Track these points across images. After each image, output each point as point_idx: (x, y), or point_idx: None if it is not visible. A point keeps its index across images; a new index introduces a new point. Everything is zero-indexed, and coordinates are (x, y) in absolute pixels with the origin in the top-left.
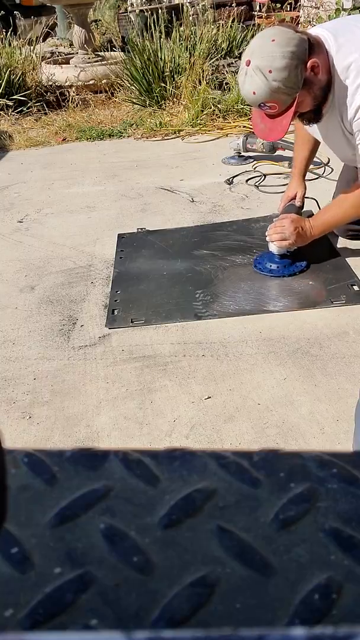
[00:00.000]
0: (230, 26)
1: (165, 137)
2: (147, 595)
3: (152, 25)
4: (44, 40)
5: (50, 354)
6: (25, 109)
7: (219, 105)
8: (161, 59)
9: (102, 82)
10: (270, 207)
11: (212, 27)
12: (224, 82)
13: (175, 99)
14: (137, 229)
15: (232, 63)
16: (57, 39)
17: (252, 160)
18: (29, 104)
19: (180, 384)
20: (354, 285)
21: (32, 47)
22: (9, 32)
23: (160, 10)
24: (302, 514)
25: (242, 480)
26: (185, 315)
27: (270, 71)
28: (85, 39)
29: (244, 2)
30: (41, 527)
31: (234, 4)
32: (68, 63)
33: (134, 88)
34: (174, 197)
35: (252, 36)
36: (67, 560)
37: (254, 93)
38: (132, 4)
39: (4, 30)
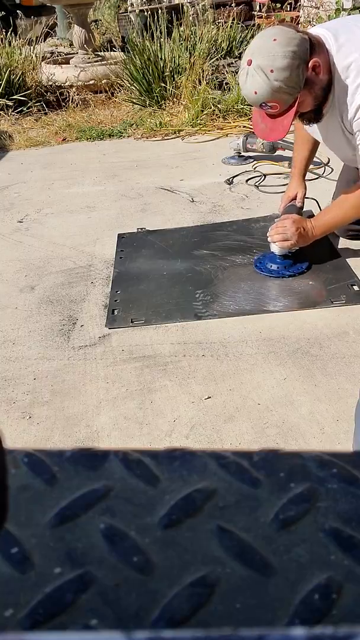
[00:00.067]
0: (230, 26)
1: (165, 137)
2: (147, 595)
3: (152, 25)
4: (44, 40)
5: (50, 354)
6: (25, 109)
7: (219, 105)
8: (161, 59)
9: (102, 82)
10: (270, 207)
11: (212, 27)
12: (224, 82)
13: (175, 99)
14: (137, 229)
15: (232, 63)
16: (57, 39)
17: (252, 160)
18: (29, 104)
19: (180, 384)
20: (354, 285)
21: (32, 47)
22: (9, 32)
23: (160, 10)
24: (302, 514)
25: (242, 480)
26: (185, 315)
27: (272, 71)
28: (85, 39)
29: (243, 2)
30: (41, 527)
31: (233, 4)
32: (68, 63)
33: (134, 88)
34: (174, 197)
35: (252, 36)
36: (67, 560)
37: (256, 93)
38: (132, 4)
39: (4, 30)
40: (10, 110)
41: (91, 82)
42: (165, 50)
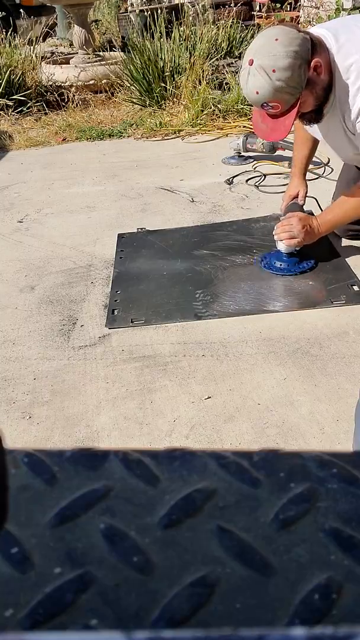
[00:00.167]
0: (230, 26)
1: (165, 137)
2: (147, 595)
3: (152, 25)
4: (43, 40)
5: (50, 354)
6: (25, 109)
7: (219, 105)
8: (161, 59)
9: (102, 82)
10: (270, 207)
11: (212, 27)
12: (224, 82)
13: (175, 99)
14: (137, 229)
15: (232, 63)
16: (57, 39)
17: (252, 160)
18: (29, 104)
19: (180, 384)
20: (354, 285)
21: (32, 47)
22: (9, 32)
23: (160, 10)
24: (302, 514)
25: (242, 480)
26: (185, 315)
27: (274, 70)
28: (85, 39)
29: (243, 2)
30: (41, 527)
31: (233, 4)
32: (68, 63)
33: (134, 88)
34: (174, 197)
35: (252, 36)
36: (67, 560)
37: (257, 93)
38: (132, 4)
39: (4, 30)
40: (10, 110)
41: (91, 82)
42: (165, 50)
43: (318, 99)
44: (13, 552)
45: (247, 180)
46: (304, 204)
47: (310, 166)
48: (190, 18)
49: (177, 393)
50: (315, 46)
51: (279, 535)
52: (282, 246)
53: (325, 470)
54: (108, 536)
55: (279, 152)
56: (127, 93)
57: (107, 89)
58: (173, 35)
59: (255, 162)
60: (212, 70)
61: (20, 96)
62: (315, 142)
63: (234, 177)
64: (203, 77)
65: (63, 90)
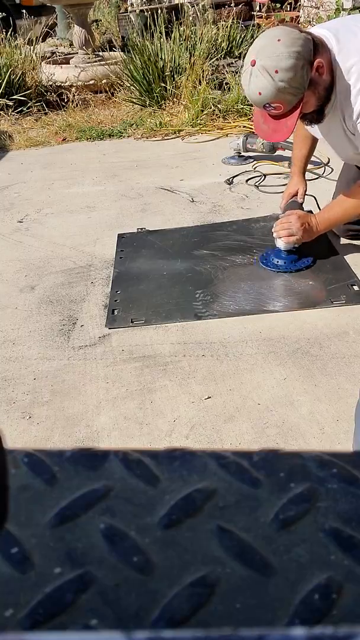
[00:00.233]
0: (230, 26)
1: (165, 137)
2: (147, 595)
3: (152, 25)
4: (43, 40)
5: (50, 354)
6: (25, 109)
7: (219, 105)
8: (161, 59)
9: (102, 82)
10: (270, 207)
11: (212, 27)
12: (224, 82)
13: (175, 99)
14: (137, 229)
15: (232, 63)
16: (57, 39)
17: (252, 160)
18: (29, 104)
19: (180, 384)
20: (354, 285)
21: (32, 47)
22: (9, 32)
23: (160, 10)
24: (302, 514)
25: (242, 480)
26: (185, 315)
27: (276, 71)
28: (85, 39)
29: (243, 2)
30: (41, 527)
31: (233, 4)
32: (68, 63)
33: (134, 88)
34: (174, 197)
35: (252, 36)
36: (67, 560)
37: (260, 93)
38: (132, 4)
39: (4, 30)
40: (10, 110)
41: (91, 82)
42: (165, 50)
43: (320, 100)
44: (13, 552)
45: (247, 180)
46: (303, 202)
47: (310, 166)
48: (190, 18)
49: (177, 393)
50: (317, 47)
51: (279, 535)
52: (280, 243)
53: (325, 470)
54: (108, 536)
55: (279, 152)
56: (127, 93)
57: (107, 89)
58: (173, 35)
59: (255, 162)
60: (212, 70)
61: (20, 96)
62: (314, 141)
63: (234, 177)
64: (203, 77)
65: (63, 90)
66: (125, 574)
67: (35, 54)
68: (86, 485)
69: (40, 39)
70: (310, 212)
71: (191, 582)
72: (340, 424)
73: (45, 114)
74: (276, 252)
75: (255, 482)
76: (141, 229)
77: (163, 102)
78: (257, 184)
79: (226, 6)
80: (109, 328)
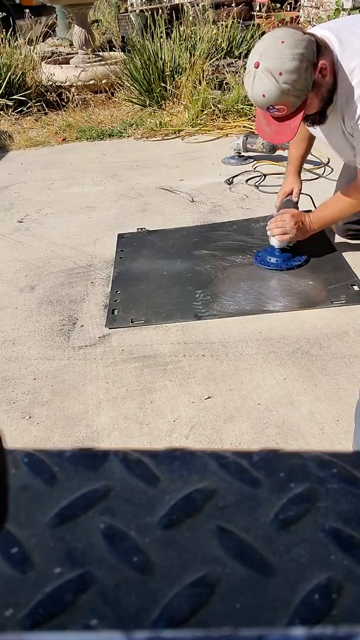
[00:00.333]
0: (230, 26)
1: (165, 137)
2: (147, 595)
3: (152, 25)
4: (43, 40)
5: (50, 354)
6: (25, 109)
7: (219, 105)
8: (161, 59)
9: (102, 82)
10: (270, 207)
11: (212, 27)
12: (224, 82)
13: (175, 99)
14: (137, 229)
15: (232, 63)
16: (57, 39)
17: (252, 160)
18: (29, 104)
19: (180, 384)
20: (354, 285)
21: (32, 47)
22: (9, 32)
23: (160, 10)
24: (302, 514)
25: (242, 480)
26: (185, 315)
27: (280, 73)
28: (85, 39)
29: (243, 2)
30: (41, 527)
31: (233, 4)
32: (68, 63)
33: (134, 88)
34: (174, 197)
35: (252, 36)
36: (67, 560)
37: (264, 96)
38: (132, 4)
39: (4, 30)
40: (10, 110)
41: (91, 82)
42: (165, 50)
43: (323, 101)
44: (13, 552)
45: (247, 180)
46: (297, 201)
47: (310, 166)
48: (190, 18)
49: (177, 393)
50: (320, 48)
51: (279, 535)
52: (274, 242)
53: (325, 470)
54: (108, 536)
55: (279, 152)
56: (127, 93)
57: (107, 89)
58: (173, 35)
59: (255, 162)
60: (212, 70)
61: (20, 96)
62: (311, 141)
63: (234, 177)
64: (203, 77)
65: (63, 90)
66: (125, 574)
67: (36, 54)
68: (86, 485)
69: (40, 39)
70: (309, 211)
71: (191, 582)
72: (340, 424)
73: (45, 114)
74: (270, 250)
75: (255, 482)
76: (141, 229)
77: (163, 102)
78: (257, 184)
79: (226, 6)
80: (109, 328)
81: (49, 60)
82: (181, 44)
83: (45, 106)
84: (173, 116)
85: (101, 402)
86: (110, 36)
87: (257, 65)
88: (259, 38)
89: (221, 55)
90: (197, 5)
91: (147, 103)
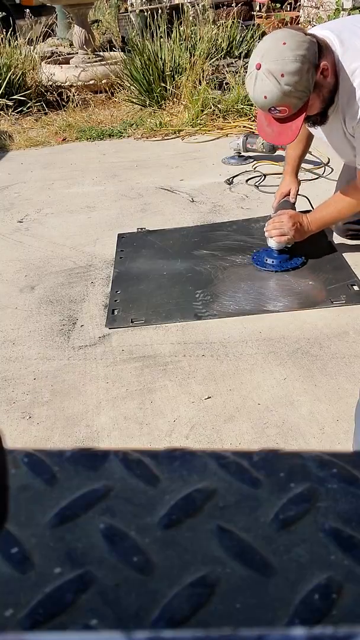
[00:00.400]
0: (230, 26)
1: (165, 137)
2: (147, 595)
3: (152, 25)
4: (43, 40)
5: (50, 354)
6: (25, 109)
7: (219, 105)
8: (161, 59)
9: (102, 82)
10: (270, 207)
11: (212, 27)
12: (224, 82)
13: (175, 99)
14: (137, 229)
15: (232, 63)
16: (57, 39)
17: (252, 160)
18: (29, 104)
19: (180, 384)
20: (354, 285)
21: (32, 47)
22: (9, 32)
23: (160, 10)
24: (302, 514)
25: (242, 480)
26: (185, 315)
27: (282, 75)
28: (85, 39)
29: (243, 2)
30: (41, 527)
31: (233, 4)
32: (68, 63)
33: (134, 88)
34: (174, 197)
35: (252, 36)
36: (67, 560)
37: (266, 97)
38: (132, 4)
39: (4, 30)
40: (10, 110)
41: (91, 82)
42: (165, 50)
43: (324, 102)
44: (13, 552)
45: (247, 180)
46: (295, 202)
47: (310, 166)
48: (191, 18)
49: (177, 393)
50: (321, 49)
51: (279, 535)
52: (272, 243)
53: (325, 470)
54: (108, 536)
55: (279, 152)
56: (127, 93)
57: (107, 89)
58: (173, 35)
59: (255, 162)
60: (212, 70)
61: (20, 96)
62: (309, 141)
63: (234, 177)
64: (203, 77)
65: (63, 90)
66: (125, 574)
67: (36, 53)
68: (86, 485)
69: (40, 38)
70: (308, 211)
71: (191, 582)
72: (340, 424)
73: (45, 114)
74: (268, 252)
75: (255, 482)
76: (141, 229)
77: (163, 102)
78: (257, 184)
79: (226, 6)
80: (109, 328)
81: (49, 60)
82: (181, 44)
83: (45, 106)
84: (173, 116)
85: (101, 402)
86: (110, 36)
87: (258, 67)
88: (259, 38)
89: (221, 55)
90: (197, 5)
91: (147, 103)
